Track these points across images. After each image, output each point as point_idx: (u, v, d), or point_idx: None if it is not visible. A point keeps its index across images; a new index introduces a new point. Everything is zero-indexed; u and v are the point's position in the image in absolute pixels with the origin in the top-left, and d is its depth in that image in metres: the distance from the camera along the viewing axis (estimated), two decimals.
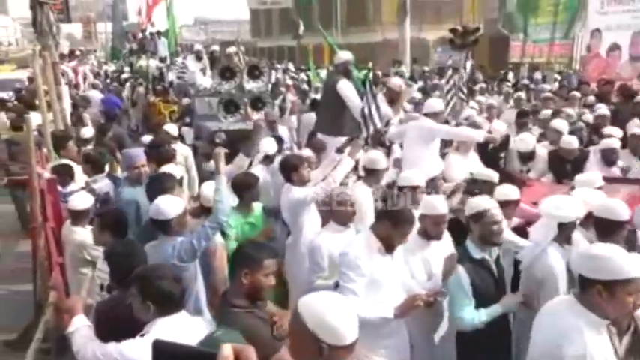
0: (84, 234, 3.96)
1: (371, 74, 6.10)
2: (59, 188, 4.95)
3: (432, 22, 26.67)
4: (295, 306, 1.78)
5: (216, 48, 11.08)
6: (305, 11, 37.52)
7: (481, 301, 3.04)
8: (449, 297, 3.09)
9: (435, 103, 5.67)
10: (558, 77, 14.19)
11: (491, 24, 20.92)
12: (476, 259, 3.10)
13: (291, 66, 20.77)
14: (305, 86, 13.40)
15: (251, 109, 7.49)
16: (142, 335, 2.28)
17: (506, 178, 4.72)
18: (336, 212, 3.71)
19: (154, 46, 16.07)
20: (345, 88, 5.92)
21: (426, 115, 5.45)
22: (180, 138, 7.79)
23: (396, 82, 7.14)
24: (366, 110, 5.39)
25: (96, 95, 12.83)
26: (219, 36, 55.20)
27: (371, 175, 4.59)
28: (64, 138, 6.50)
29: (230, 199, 3.40)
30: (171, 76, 12.57)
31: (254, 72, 7.85)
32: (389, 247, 3.03)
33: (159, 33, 16.82)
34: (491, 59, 20.42)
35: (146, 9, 17.93)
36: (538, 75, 14.46)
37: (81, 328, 2.52)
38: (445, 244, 3.49)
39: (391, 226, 2.98)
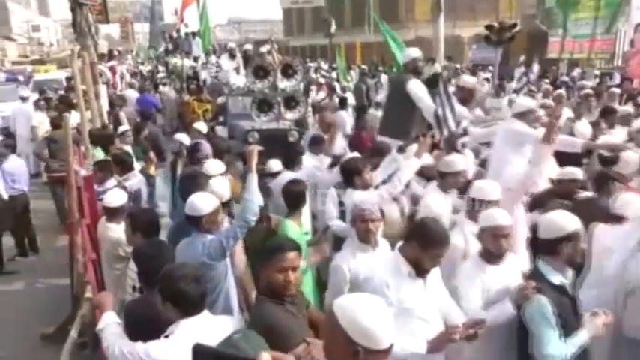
0: (118, 231, 4.02)
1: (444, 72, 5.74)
2: (95, 186, 5.07)
3: (467, 18, 26.24)
4: (330, 306, 1.74)
5: (249, 47, 10.96)
6: (337, 10, 37.50)
7: (563, 330, 2.64)
8: (531, 331, 2.66)
9: (524, 102, 5.09)
10: (597, 73, 13.72)
11: (529, 20, 20.42)
12: (555, 284, 2.69)
13: (323, 64, 20.75)
14: (336, 84, 13.36)
15: (284, 108, 7.45)
16: (167, 336, 2.29)
17: (610, 179, 4.29)
18: (358, 228, 3.28)
19: (188, 45, 16.30)
20: (416, 88, 5.45)
21: (514, 115, 4.84)
22: (215, 136, 7.91)
23: (468, 79, 6.50)
24: (440, 112, 4.93)
25: (132, 94, 13.09)
26: (253, 35, 55.81)
27: (446, 178, 4.17)
28: (110, 137, 6.76)
29: (260, 198, 3.35)
30: (204, 75, 12.70)
31: (287, 71, 7.74)
32: (420, 270, 2.68)
33: (193, 33, 17.05)
34: (529, 56, 19.90)
35: (180, 9, 18.22)
36: (576, 72, 14.01)
37: (110, 324, 2.52)
38: (510, 266, 3.02)
39: (419, 246, 2.63)
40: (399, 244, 2.80)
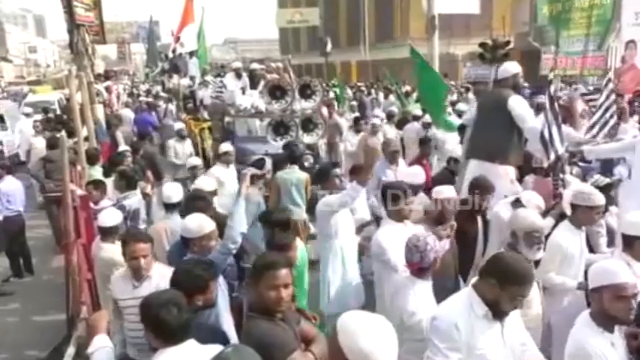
0: (112, 250, 3.99)
1: (552, 88, 5.04)
2: (91, 205, 5.05)
3: (461, 36, 26.55)
4: (336, 323, 1.70)
5: (256, 66, 10.39)
6: (333, 29, 37.92)
7: None
8: None
9: (510, 67, 4.94)
10: (591, 89, 13.84)
11: (522, 37, 20.68)
12: None
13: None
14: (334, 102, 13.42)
15: (302, 131, 7.05)
16: None
17: None
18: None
19: (184, 65, 16.40)
20: (518, 106, 4.85)
21: (500, 81, 4.69)
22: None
23: (570, 97, 5.91)
24: (546, 133, 4.41)
25: (129, 114, 13.12)
26: (249, 54, 56.35)
27: (582, 213, 3.61)
28: (121, 155, 6.83)
29: (244, 225, 3.24)
30: (201, 94, 12.63)
31: (306, 91, 7.32)
32: (497, 312, 2.34)
33: (190, 53, 17.17)
34: (524, 73, 20.08)
35: (177, 29, 18.37)
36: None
37: (100, 349, 2.40)
38: None
39: (498, 285, 2.28)
40: (474, 280, 2.45)
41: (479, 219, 4.15)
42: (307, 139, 7.11)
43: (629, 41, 13.73)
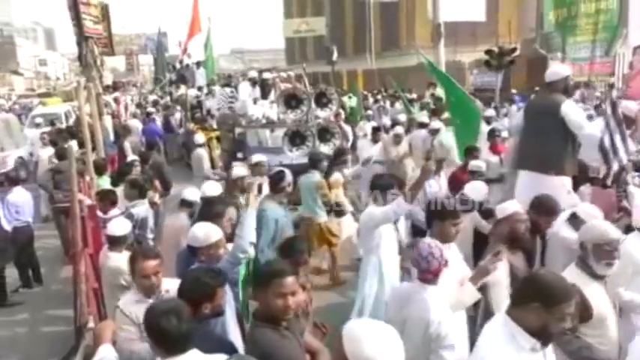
0: (119, 259, 4.00)
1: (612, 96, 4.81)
2: (100, 214, 5.09)
3: (467, 44, 26.55)
4: (341, 330, 1.69)
5: (268, 75, 10.04)
6: (339, 38, 38.11)
7: None
8: None
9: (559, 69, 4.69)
10: (599, 95, 13.80)
11: (528, 44, 20.66)
12: None
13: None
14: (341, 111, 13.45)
15: (319, 141, 6.86)
16: None
17: None
18: None
19: (191, 76, 16.55)
20: (572, 111, 4.49)
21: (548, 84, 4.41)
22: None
23: (630, 105, 5.42)
24: (607, 141, 4.16)
25: (136, 125, 13.23)
26: (256, 64, 56.67)
27: None
28: (130, 165, 6.87)
29: (253, 235, 3.25)
30: (208, 104, 12.68)
31: (322, 100, 7.12)
32: (546, 339, 2.10)
33: (198, 63, 17.34)
34: (529, 79, 20.08)
35: (185, 41, 18.60)
36: (578, 94, 14.09)
37: (104, 359, 2.38)
38: None
39: (544, 309, 2.04)
40: (508, 311, 2.16)
41: (537, 239, 3.78)
42: (324, 148, 6.91)
43: (636, 47, 13.68)
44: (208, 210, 3.88)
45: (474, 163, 6.04)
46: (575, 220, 3.63)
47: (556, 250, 3.74)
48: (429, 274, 2.86)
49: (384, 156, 8.18)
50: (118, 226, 4.19)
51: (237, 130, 9.17)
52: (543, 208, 3.71)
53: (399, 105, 14.37)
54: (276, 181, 4.86)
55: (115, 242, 4.10)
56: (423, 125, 9.36)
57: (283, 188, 4.83)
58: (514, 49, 13.20)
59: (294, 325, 2.56)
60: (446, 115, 9.62)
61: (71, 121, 13.81)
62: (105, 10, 14.12)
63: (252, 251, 3.27)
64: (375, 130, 9.55)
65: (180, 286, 2.74)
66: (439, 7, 16.94)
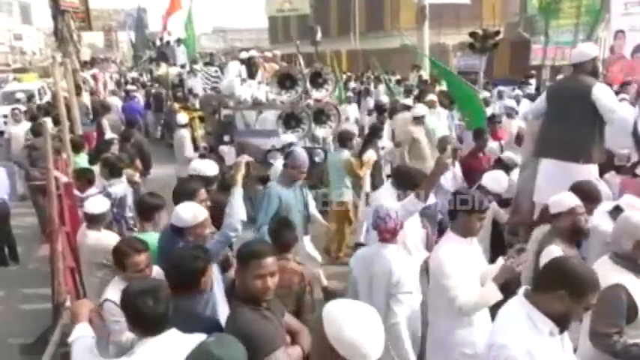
0: (98, 238, 3.95)
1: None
2: (77, 193, 4.99)
3: (451, 26, 26.50)
4: (320, 312, 1.66)
5: (254, 53, 9.47)
6: (323, 18, 37.69)
7: None
8: None
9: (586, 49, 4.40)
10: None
11: (512, 28, 20.70)
12: None
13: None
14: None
15: (314, 123, 6.56)
16: (129, 355, 2.17)
17: None
18: None
19: (172, 53, 16.24)
20: (605, 95, 4.19)
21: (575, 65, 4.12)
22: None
23: None
24: None
25: (116, 102, 12.97)
26: (238, 43, 55.83)
27: None
28: (107, 143, 6.59)
29: (243, 213, 3.21)
30: (190, 83, 12.39)
31: (317, 80, 6.76)
32: (564, 326, 2.12)
33: (178, 41, 16.99)
34: (512, 63, 20.17)
35: (164, 18, 18.19)
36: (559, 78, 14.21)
37: (80, 337, 2.35)
38: None
39: (571, 297, 2.04)
40: (527, 295, 2.18)
41: None
42: (320, 131, 6.69)
43: (617, 31, 13.78)
44: (181, 188, 3.78)
45: (507, 155, 5.56)
46: (617, 213, 3.27)
47: (595, 244, 3.55)
48: (387, 233, 3.27)
49: (395, 139, 7.98)
50: (96, 204, 4.12)
51: (224, 112, 8.70)
52: (585, 195, 3.44)
53: (382, 87, 14.31)
54: (286, 162, 4.58)
55: (93, 220, 4.04)
56: (407, 107, 9.33)
57: (295, 169, 4.45)
58: (498, 32, 13.18)
59: (274, 305, 2.55)
60: (430, 97, 9.62)
61: (45, 98, 13.42)
62: None
63: (241, 229, 3.22)
64: (381, 110, 8.98)
65: (168, 265, 2.69)
66: None
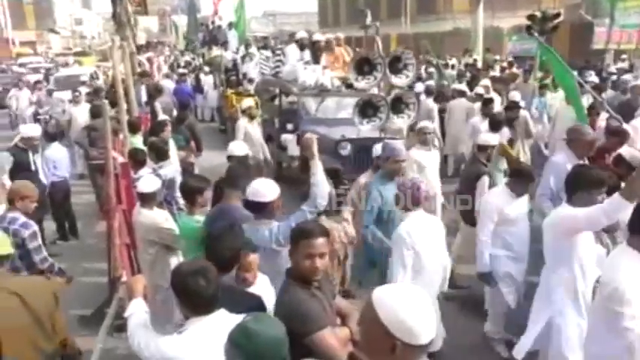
0: (150, 216, 4.09)
1: None
2: (132, 173, 5.17)
3: (507, 9, 25.50)
4: (369, 297, 1.68)
5: (319, 37, 8.79)
6: (373, 1, 37.09)
7: None
8: None
9: None
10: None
11: (573, 9, 19.69)
12: None
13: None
14: None
15: (392, 112, 6.04)
16: (180, 332, 2.24)
17: None
18: None
19: (224, 37, 16.42)
20: None
21: None
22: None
23: None
24: None
25: (169, 85, 13.29)
26: (288, 27, 55.94)
27: None
28: (162, 124, 6.76)
29: (326, 184, 3.26)
30: (245, 68, 12.19)
31: (396, 65, 6.15)
32: None
33: (230, 24, 17.15)
34: (572, 47, 19.24)
35: (215, 2, 18.37)
36: (622, 64, 13.42)
37: (136, 313, 2.45)
38: None
39: None
40: (629, 241, 2.57)
41: None
42: (398, 121, 6.16)
43: None
44: (192, 183, 3.94)
45: (631, 153, 4.79)
46: None
47: None
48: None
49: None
50: (147, 183, 4.28)
51: (288, 99, 8.28)
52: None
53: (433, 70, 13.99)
54: (384, 155, 4.30)
55: (145, 199, 4.19)
56: (462, 94, 9.09)
57: (397, 162, 4.19)
58: (558, 15, 12.54)
59: (325, 286, 2.57)
60: (484, 82, 9.31)
61: (98, 82, 13.88)
62: None
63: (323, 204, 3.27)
64: (487, 102, 7.83)
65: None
66: None
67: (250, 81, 11.41)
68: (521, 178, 4.09)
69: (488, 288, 4.39)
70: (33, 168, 6.27)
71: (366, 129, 6.00)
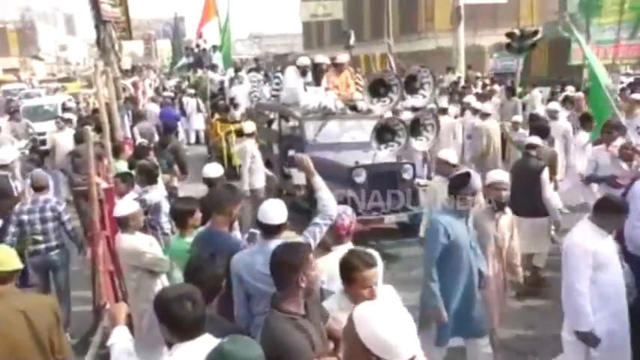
0: (131, 241, 4.05)
1: None
2: (116, 198, 5.13)
3: (487, 27, 26.06)
4: (350, 314, 1.70)
5: (322, 59, 8.53)
6: (356, 22, 37.65)
7: None
8: None
9: None
10: (623, 79, 13.43)
11: (551, 27, 20.17)
12: None
13: None
14: None
15: (411, 136, 5.71)
16: (165, 358, 2.22)
17: None
18: None
19: (208, 60, 16.51)
20: None
21: None
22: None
23: None
24: None
25: (154, 109, 13.28)
26: (273, 49, 56.46)
27: None
28: (145, 148, 6.87)
29: (332, 196, 3.25)
30: (233, 91, 11.81)
31: (412, 85, 5.84)
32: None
33: (214, 47, 17.27)
34: (551, 63, 19.64)
35: (198, 25, 18.52)
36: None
37: (119, 341, 2.41)
38: None
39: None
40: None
41: None
42: (416, 144, 5.80)
43: None
44: (181, 206, 3.96)
45: None
46: None
47: None
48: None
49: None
50: (122, 206, 4.26)
51: (290, 123, 7.89)
52: None
53: None
54: (456, 184, 3.67)
55: (123, 223, 4.15)
56: (445, 111, 9.20)
57: (471, 195, 3.61)
58: (536, 32, 12.86)
59: (314, 311, 2.52)
60: (468, 98, 9.44)
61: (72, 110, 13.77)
62: None
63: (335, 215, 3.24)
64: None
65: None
66: None
67: (236, 106, 11.14)
68: (610, 212, 3.47)
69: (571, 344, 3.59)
70: (15, 194, 6.24)
71: (385, 154, 5.67)
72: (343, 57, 9.00)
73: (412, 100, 5.81)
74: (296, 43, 59.18)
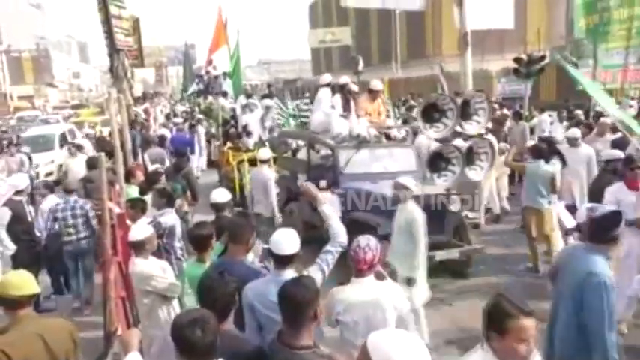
0: (144, 265, 4.07)
1: None
2: (129, 222, 5.17)
3: (495, 52, 26.27)
4: (365, 342, 1.70)
5: (346, 80, 8.03)
6: (364, 47, 38.16)
7: None
8: None
9: None
10: (632, 103, 13.43)
11: (558, 51, 20.31)
12: None
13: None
14: None
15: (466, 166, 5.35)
16: None
17: None
18: None
19: (218, 86, 16.70)
20: None
21: None
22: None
23: None
24: None
25: (165, 134, 13.44)
26: (282, 75, 57.21)
27: None
28: (157, 174, 7.08)
29: (341, 224, 3.31)
30: (245, 119, 11.34)
31: (466, 110, 5.44)
32: None
33: (224, 74, 17.48)
34: (559, 87, 19.71)
35: (208, 52, 18.81)
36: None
37: None
38: None
39: None
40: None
41: None
42: (470, 174, 5.45)
43: None
44: (202, 230, 3.94)
45: None
46: None
47: None
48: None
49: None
50: (137, 230, 4.27)
51: (321, 152, 7.45)
52: None
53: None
54: (602, 227, 3.10)
55: (137, 247, 4.17)
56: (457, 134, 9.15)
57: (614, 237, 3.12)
58: (543, 57, 12.98)
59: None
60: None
61: (77, 139, 13.79)
62: (136, 24, 14.47)
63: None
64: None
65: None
66: (466, 15, 16.75)
67: (249, 134, 10.72)
68: None
69: None
70: (30, 219, 6.42)
71: (439, 185, 5.32)
72: (378, 83, 8.52)
73: (467, 126, 5.44)
74: (304, 68, 60.01)
